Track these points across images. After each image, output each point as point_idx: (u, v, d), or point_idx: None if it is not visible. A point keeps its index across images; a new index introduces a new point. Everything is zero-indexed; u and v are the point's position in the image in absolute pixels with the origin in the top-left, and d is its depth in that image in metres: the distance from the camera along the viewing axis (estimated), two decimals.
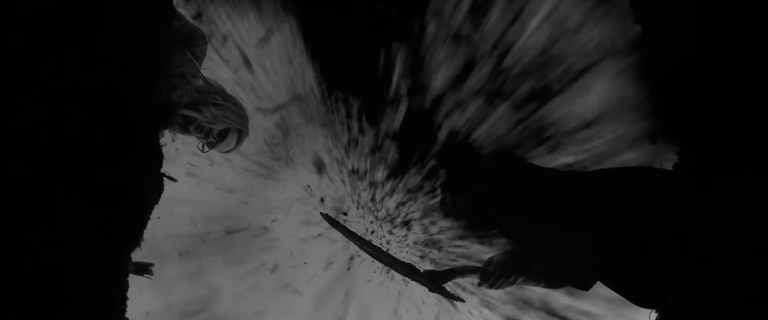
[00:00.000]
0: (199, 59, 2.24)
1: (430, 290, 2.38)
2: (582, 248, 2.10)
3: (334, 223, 2.64)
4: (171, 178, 1.87)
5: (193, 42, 2.23)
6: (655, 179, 2.04)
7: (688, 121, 1.72)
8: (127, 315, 1.66)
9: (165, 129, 2.19)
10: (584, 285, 2.20)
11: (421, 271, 2.35)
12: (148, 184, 1.73)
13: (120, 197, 1.56)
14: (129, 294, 1.68)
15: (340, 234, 2.69)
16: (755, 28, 1.44)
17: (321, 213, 2.70)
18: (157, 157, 1.77)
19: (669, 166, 1.97)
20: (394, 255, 2.53)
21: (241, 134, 2.35)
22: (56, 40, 1.20)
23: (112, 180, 1.50)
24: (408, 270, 2.37)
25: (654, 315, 2.04)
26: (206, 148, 2.32)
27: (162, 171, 1.80)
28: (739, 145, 1.53)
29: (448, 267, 2.41)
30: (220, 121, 2.25)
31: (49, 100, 1.19)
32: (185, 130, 2.26)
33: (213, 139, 2.28)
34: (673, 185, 1.90)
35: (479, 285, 2.34)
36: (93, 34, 1.33)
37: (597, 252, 2.07)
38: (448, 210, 2.42)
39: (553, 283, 2.29)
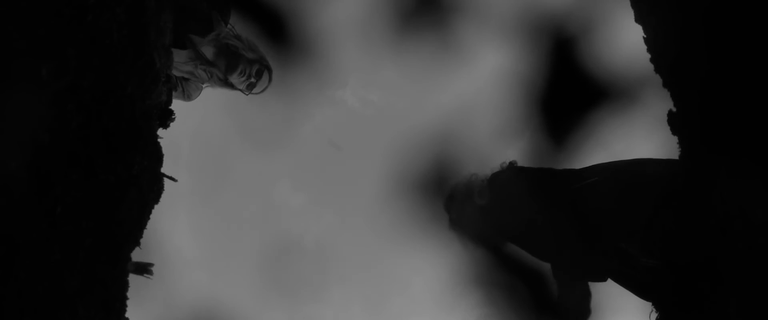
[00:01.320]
0: (225, 21, 2.69)
1: None
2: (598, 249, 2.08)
3: None
4: (171, 178, 1.88)
5: (222, 9, 2.65)
6: (657, 173, 2.02)
7: (689, 118, 1.72)
8: (127, 315, 1.67)
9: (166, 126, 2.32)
10: (601, 277, 2.18)
11: None
12: (148, 184, 1.73)
13: (120, 197, 1.56)
14: (129, 294, 1.68)
15: None
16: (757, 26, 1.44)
17: None
18: (157, 157, 1.78)
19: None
20: None
21: (270, 71, 2.71)
22: (56, 40, 1.20)
23: (112, 181, 1.50)
24: None
25: (654, 314, 2.03)
26: (247, 91, 2.68)
27: (162, 171, 1.81)
28: (740, 141, 1.52)
29: None
30: (258, 52, 2.66)
31: (49, 100, 1.19)
32: (225, 83, 2.64)
33: (253, 79, 2.63)
34: (673, 180, 1.89)
35: None
36: (93, 34, 1.32)
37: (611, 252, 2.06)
38: (455, 223, 2.35)
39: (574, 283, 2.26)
